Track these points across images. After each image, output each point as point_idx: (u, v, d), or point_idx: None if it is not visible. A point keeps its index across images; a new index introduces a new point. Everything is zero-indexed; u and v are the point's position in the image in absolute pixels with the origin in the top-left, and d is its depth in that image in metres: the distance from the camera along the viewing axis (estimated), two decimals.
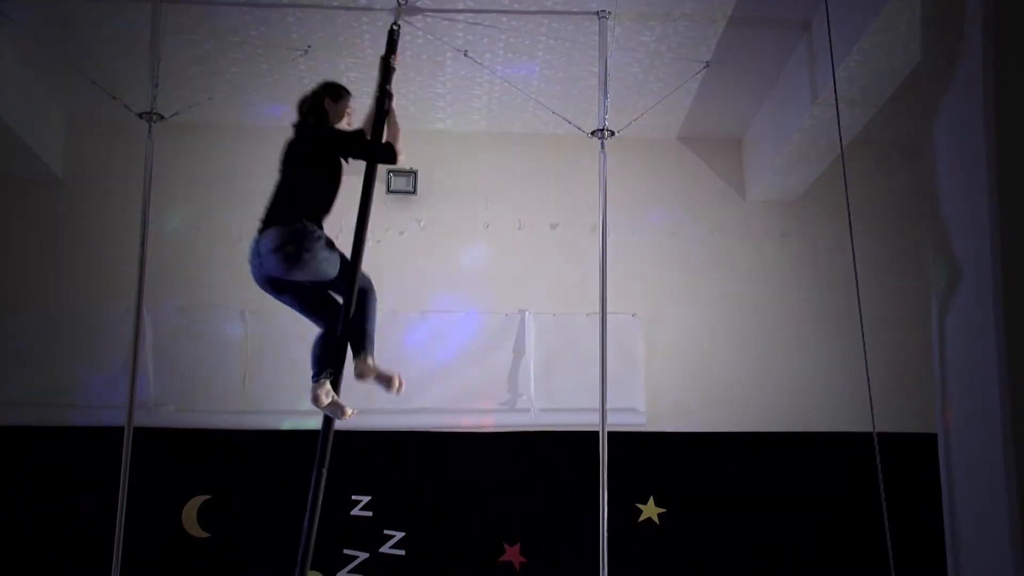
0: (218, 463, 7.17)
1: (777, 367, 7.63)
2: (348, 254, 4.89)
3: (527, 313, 7.61)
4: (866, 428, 5.27)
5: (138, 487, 5.86)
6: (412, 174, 7.69)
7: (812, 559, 7.15)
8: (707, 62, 6.51)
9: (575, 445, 7.09)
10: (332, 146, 4.83)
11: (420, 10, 5.90)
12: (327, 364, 4.75)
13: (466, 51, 6.34)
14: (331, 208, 4.83)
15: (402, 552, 7.10)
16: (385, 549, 7.10)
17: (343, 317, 4.78)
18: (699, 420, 7.49)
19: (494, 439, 7.37)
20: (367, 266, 4.95)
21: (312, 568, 6.93)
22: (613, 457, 5.75)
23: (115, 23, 6.32)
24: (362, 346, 4.82)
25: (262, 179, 7.46)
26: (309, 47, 6.27)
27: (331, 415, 4.81)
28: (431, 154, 7.72)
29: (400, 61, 5.32)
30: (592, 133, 6.00)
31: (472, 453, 7.31)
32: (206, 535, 7.07)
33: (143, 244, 5.76)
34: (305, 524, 4.62)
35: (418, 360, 7.39)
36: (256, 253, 4.70)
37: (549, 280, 7.66)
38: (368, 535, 7.12)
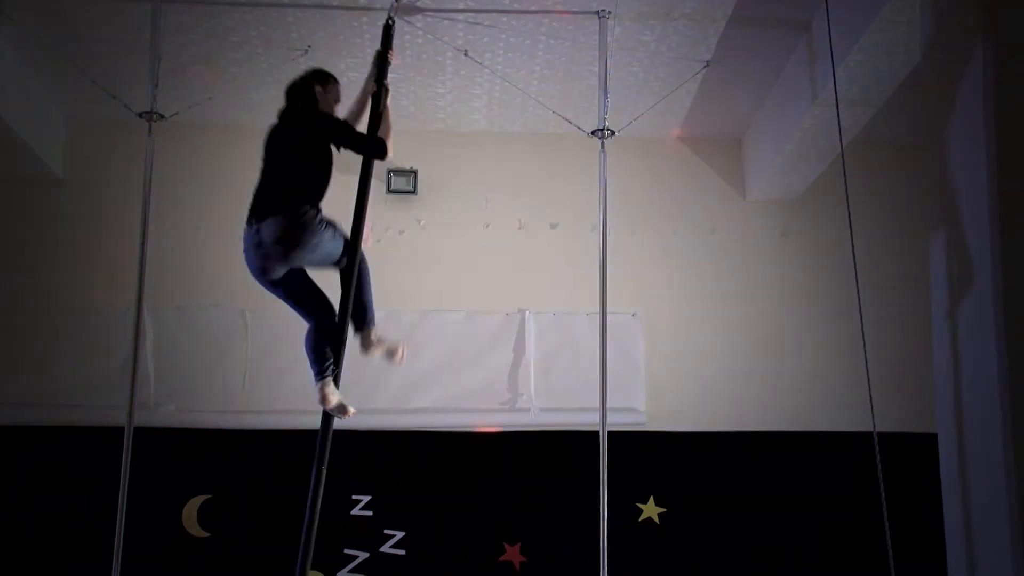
0: (218, 463, 7.17)
1: (777, 367, 7.63)
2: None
3: (527, 313, 7.61)
4: (866, 428, 5.27)
5: (138, 487, 5.86)
6: (412, 174, 7.69)
7: (812, 559, 7.15)
8: (707, 62, 6.50)
9: (575, 445, 7.09)
10: (326, 133, 4.77)
11: (420, 9, 5.90)
12: (328, 360, 4.74)
13: (466, 51, 6.34)
14: (324, 194, 4.78)
15: (402, 552, 7.10)
16: (385, 549, 7.11)
17: (345, 295, 4.75)
18: (699, 420, 7.49)
19: (494, 439, 7.37)
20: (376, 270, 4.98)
21: (312, 568, 6.98)
22: (613, 457, 5.74)
23: (115, 23, 6.32)
24: (367, 319, 4.89)
25: None
26: (309, 47, 6.26)
27: (336, 414, 4.80)
28: (431, 154, 7.72)
29: (395, 56, 5.28)
30: (592, 133, 6.00)
31: (472, 453, 7.31)
32: (206, 535, 7.07)
33: (143, 244, 5.76)
34: (305, 522, 4.62)
35: (418, 360, 7.39)
36: (256, 244, 4.63)
37: (549, 280, 7.66)
38: (368, 535, 7.12)
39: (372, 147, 4.86)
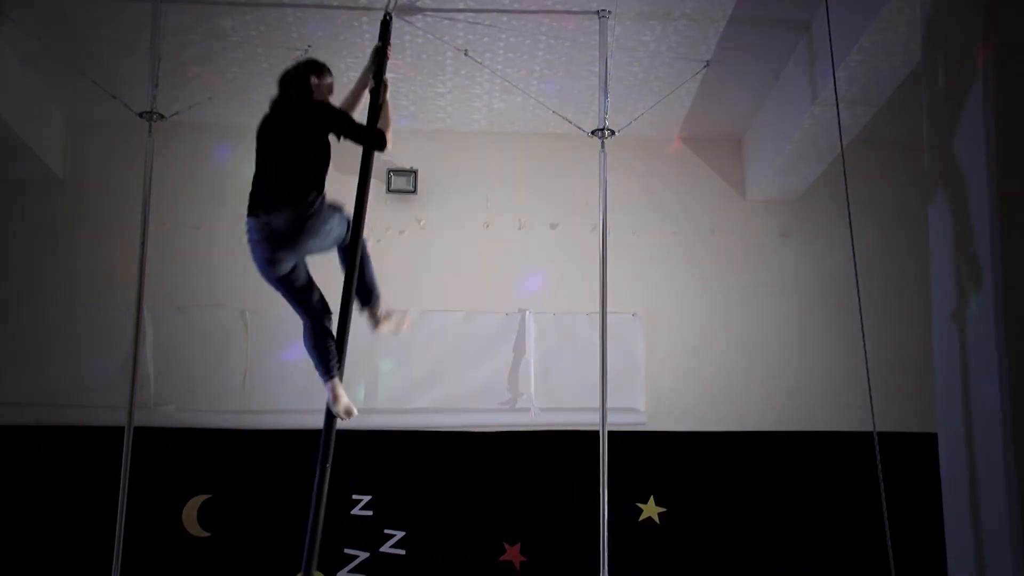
0: (218, 463, 7.17)
1: (777, 367, 7.63)
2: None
3: (527, 313, 7.61)
4: (866, 428, 5.28)
5: (138, 487, 5.86)
6: (412, 173, 7.69)
7: (812, 559, 7.15)
8: (707, 62, 6.51)
9: (575, 445, 7.09)
10: (326, 121, 4.73)
11: (420, 9, 5.91)
12: (334, 358, 4.71)
13: (466, 51, 6.34)
14: (325, 180, 4.75)
15: (402, 552, 7.10)
16: (385, 549, 7.11)
17: (350, 274, 4.73)
18: (699, 420, 7.49)
19: (494, 439, 7.37)
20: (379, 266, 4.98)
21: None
22: (613, 457, 5.75)
23: (115, 23, 6.32)
24: (373, 296, 4.92)
25: None
26: (309, 47, 6.25)
27: (342, 415, 4.77)
28: (431, 154, 7.72)
29: (392, 52, 5.26)
30: (592, 132, 6.00)
31: (472, 453, 7.31)
32: (206, 535, 7.07)
33: (143, 244, 5.76)
34: (310, 521, 4.59)
35: (418, 360, 7.40)
36: (266, 236, 4.57)
37: (549, 280, 7.66)
38: (368, 535, 7.12)
39: (372, 138, 4.83)
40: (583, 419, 6.92)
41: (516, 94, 7.06)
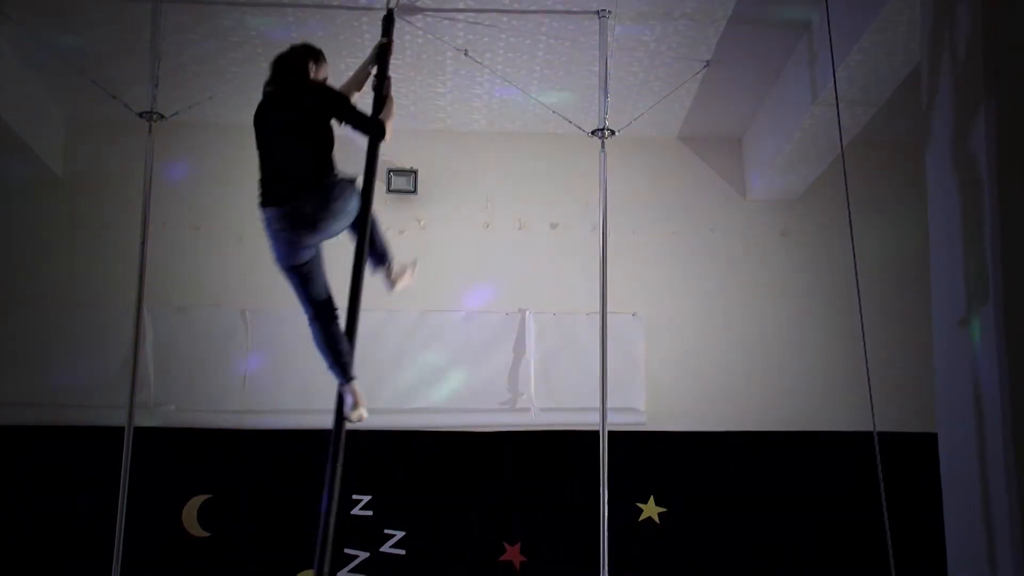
0: (218, 463, 7.17)
1: (777, 367, 7.63)
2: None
3: (527, 313, 7.61)
4: (866, 428, 5.28)
5: (138, 487, 5.87)
6: (412, 173, 7.69)
7: (812, 559, 7.14)
8: (707, 61, 6.51)
9: (575, 445, 7.09)
10: (330, 106, 4.67)
11: (420, 9, 5.91)
12: (349, 357, 4.64)
13: (466, 51, 6.34)
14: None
15: (402, 552, 7.10)
16: (385, 549, 7.11)
17: (361, 238, 4.67)
18: (699, 420, 7.49)
19: (494, 439, 7.37)
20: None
21: (311, 567, 6.98)
22: (613, 457, 5.75)
23: (115, 23, 6.32)
24: (386, 255, 4.90)
25: None
26: None
27: (355, 418, 4.68)
28: (431, 154, 7.72)
29: (393, 52, 5.24)
30: (592, 132, 6.01)
31: (472, 453, 7.31)
32: (206, 535, 7.07)
33: (143, 244, 5.76)
34: (322, 521, 4.55)
35: (418, 360, 7.40)
36: (289, 225, 4.49)
37: (549, 280, 7.66)
38: (368, 534, 7.12)
39: (373, 126, 4.77)
40: (583, 419, 6.92)
41: (516, 94, 7.05)
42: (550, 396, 7.48)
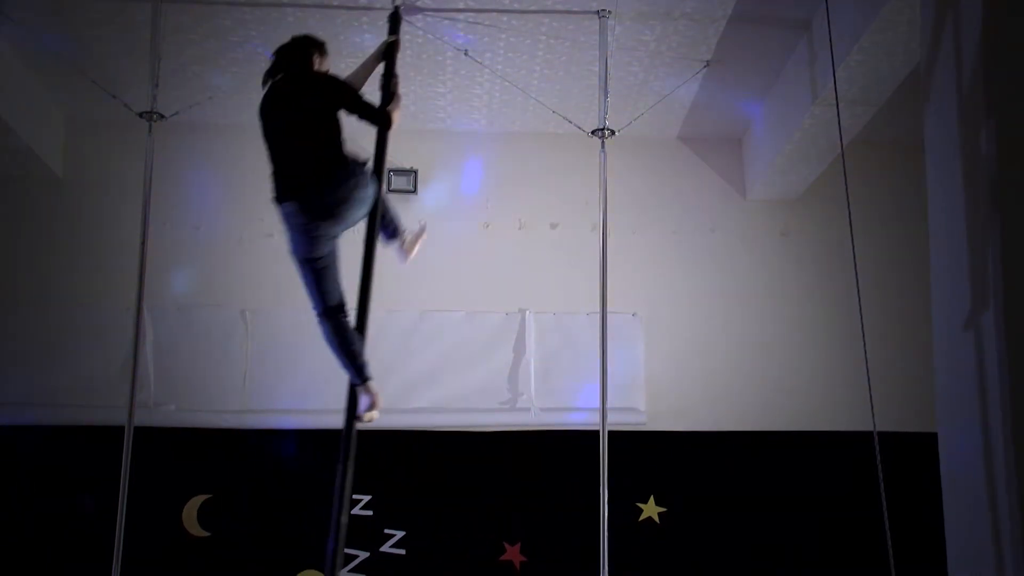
0: (218, 463, 7.17)
1: (777, 367, 7.63)
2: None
3: (527, 312, 7.61)
4: (866, 428, 5.28)
5: (138, 487, 5.86)
6: (412, 173, 7.69)
7: (812, 559, 7.15)
8: (707, 61, 6.51)
9: (575, 445, 7.09)
10: (339, 99, 4.61)
11: (420, 9, 5.90)
12: (364, 360, 4.58)
13: (466, 50, 6.34)
14: None
15: (402, 551, 7.10)
16: (385, 548, 7.11)
17: (373, 213, 4.67)
18: (699, 420, 7.49)
19: (494, 439, 7.37)
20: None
21: (312, 567, 7.01)
22: (613, 457, 5.75)
23: (115, 23, 6.32)
24: (398, 225, 4.95)
25: (262, 178, 7.55)
26: None
27: (369, 420, 4.64)
28: (431, 154, 7.72)
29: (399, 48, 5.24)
30: (592, 132, 6.01)
31: (472, 453, 7.31)
32: (206, 535, 7.07)
33: (143, 244, 5.76)
34: (334, 520, 4.50)
35: (418, 360, 7.40)
36: (313, 216, 4.42)
37: (549, 280, 7.66)
38: (368, 535, 7.12)
39: (382, 117, 4.73)
40: (583, 419, 6.93)
41: (516, 94, 7.06)
42: (550, 396, 7.48)
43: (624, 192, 7.31)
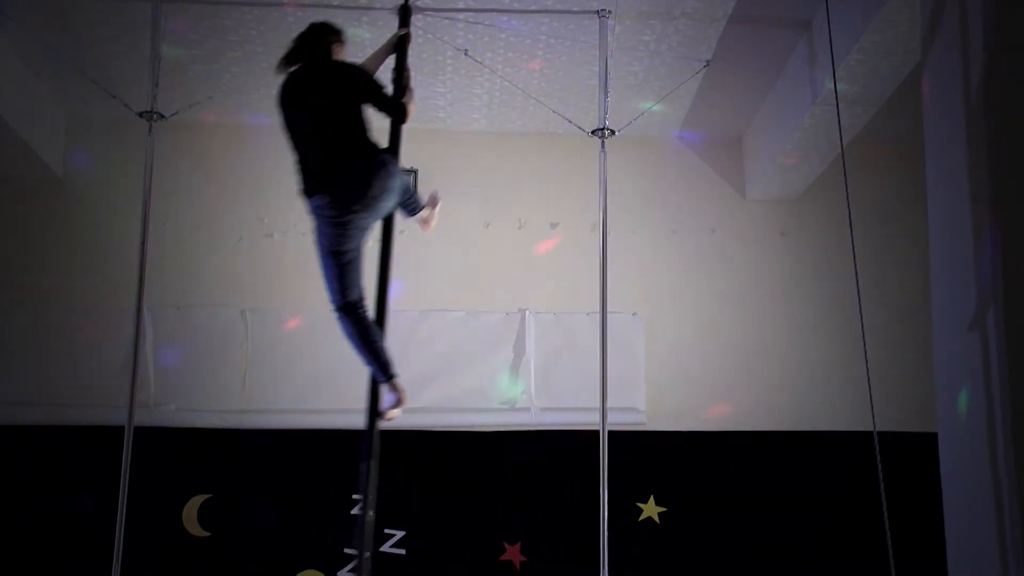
0: (218, 463, 7.17)
1: (777, 367, 7.63)
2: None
3: (527, 312, 7.61)
4: (866, 428, 5.27)
5: (138, 487, 5.86)
6: (412, 173, 7.68)
7: (812, 559, 7.14)
8: (707, 61, 6.51)
9: (575, 445, 7.09)
10: (363, 85, 4.55)
11: (420, 9, 5.90)
12: (388, 356, 4.49)
13: (466, 50, 6.34)
14: None
15: (402, 551, 7.10)
16: (385, 548, 7.10)
17: (408, 196, 4.71)
18: (699, 420, 7.49)
19: (494, 439, 7.37)
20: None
21: (312, 567, 7.01)
22: (613, 457, 5.74)
23: (115, 23, 6.32)
24: (418, 205, 4.94)
25: (262, 178, 7.57)
26: None
27: (391, 418, 4.58)
28: (431, 154, 7.72)
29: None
30: (592, 132, 6.00)
31: (472, 453, 7.30)
32: (206, 535, 7.07)
33: (143, 244, 5.76)
34: (361, 517, 4.44)
35: (418, 360, 7.39)
36: (346, 209, 4.33)
37: (549, 279, 7.66)
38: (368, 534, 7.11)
39: (400, 110, 4.70)
40: (583, 419, 6.92)
41: (516, 94, 7.06)
42: (550, 396, 7.48)
43: (624, 192, 7.31)
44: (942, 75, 4.60)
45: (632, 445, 7.15)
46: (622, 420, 7.11)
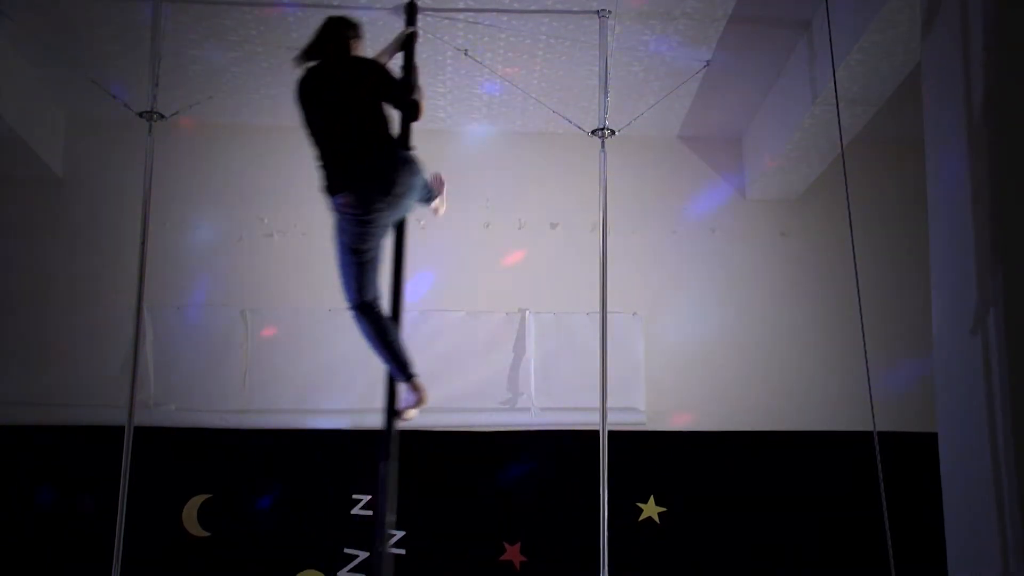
0: (218, 463, 7.17)
1: (777, 367, 7.63)
2: None
3: (527, 312, 7.61)
4: (866, 428, 5.27)
5: (138, 487, 5.86)
6: None
7: (812, 559, 7.14)
8: (707, 61, 6.51)
9: (575, 445, 7.09)
10: (383, 81, 4.52)
11: (420, 9, 5.89)
12: (407, 355, 4.46)
13: (466, 51, 6.34)
14: None
15: (402, 551, 7.10)
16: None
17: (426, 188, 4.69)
18: (699, 420, 7.49)
19: (494, 439, 7.37)
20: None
21: (312, 567, 7.01)
22: (613, 457, 5.74)
23: (115, 23, 6.32)
24: (432, 194, 4.93)
25: (262, 178, 7.58)
26: None
27: (409, 419, 4.54)
28: (431, 154, 7.69)
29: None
30: (592, 132, 6.01)
31: (472, 453, 7.31)
32: (206, 535, 7.07)
33: (143, 244, 5.76)
34: (379, 516, 4.41)
35: (418, 360, 7.36)
36: (371, 207, 4.30)
37: (549, 279, 7.66)
38: (368, 534, 7.10)
39: (414, 108, 4.62)
40: (583, 419, 6.92)
41: (516, 94, 7.05)
42: (550, 396, 7.48)
43: (624, 192, 7.31)
44: (942, 75, 4.60)
45: (632, 445, 7.15)
46: (622, 420, 7.11)
